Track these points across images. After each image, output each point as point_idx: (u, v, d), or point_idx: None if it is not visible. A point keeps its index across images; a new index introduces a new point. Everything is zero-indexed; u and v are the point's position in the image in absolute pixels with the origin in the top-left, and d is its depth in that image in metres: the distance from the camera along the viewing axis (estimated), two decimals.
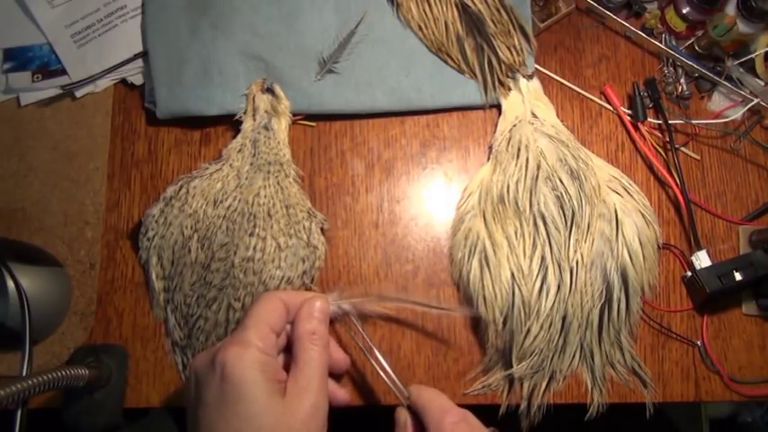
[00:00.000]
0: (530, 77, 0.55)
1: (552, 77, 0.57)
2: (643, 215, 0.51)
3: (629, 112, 0.56)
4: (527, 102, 0.54)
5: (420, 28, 0.55)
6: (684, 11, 0.55)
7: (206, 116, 0.54)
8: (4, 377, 0.49)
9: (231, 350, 0.38)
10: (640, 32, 0.56)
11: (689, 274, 0.52)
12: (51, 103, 0.57)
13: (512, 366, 0.49)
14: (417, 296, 0.52)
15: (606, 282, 0.49)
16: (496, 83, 0.54)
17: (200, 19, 0.55)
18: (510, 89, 0.54)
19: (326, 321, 0.44)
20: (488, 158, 0.54)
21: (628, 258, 0.49)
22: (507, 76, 0.55)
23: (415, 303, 0.50)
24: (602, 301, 0.49)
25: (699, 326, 0.52)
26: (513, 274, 0.49)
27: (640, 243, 0.50)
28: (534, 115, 0.53)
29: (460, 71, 0.55)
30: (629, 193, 0.52)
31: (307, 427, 0.38)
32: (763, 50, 0.54)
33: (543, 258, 0.49)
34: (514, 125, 0.53)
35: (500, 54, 0.54)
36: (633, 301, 0.50)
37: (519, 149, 0.52)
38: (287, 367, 0.41)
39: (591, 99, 0.57)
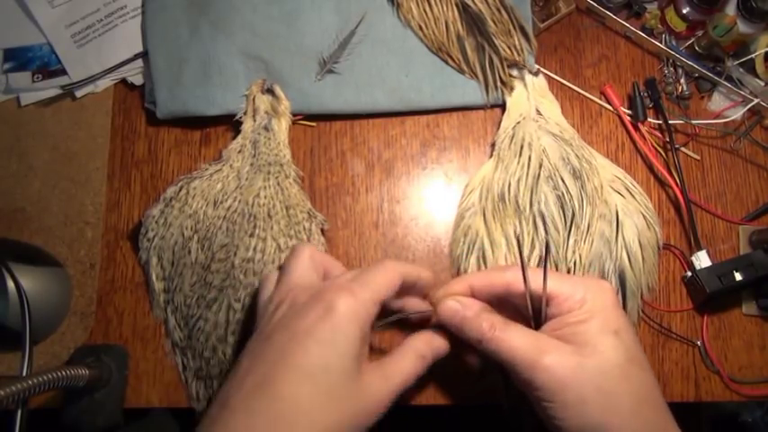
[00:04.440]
0: (535, 74, 0.54)
1: (552, 77, 0.57)
2: (644, 217, 0.51)
3: (629, 112, 0.56)
4: (532, 98, 0.53)
5: (420, 28, 0.55)
6: (684, 11, 0.55)
7: (206, 116, 0.54)
8: (4, 377, 0.49)
9: (345, 297, 0.36)
10: (640, 32, 0.56)
11: (689, 274, 0.52)
12: (51, 103, 0.57)
13: None
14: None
15: None
16: (498, 82, 0.54)
17: (201, 19, 0.55)
18: (513, 88, 0.54)
19: (441, 352, 0.42)
20: (490, 156, 0.54)
21: (626, 260, 0.49)
22: (511, 76, 0.54)
23: None
24: None
25: (699, 326, 0.52)
26: None
27: (640, 245, 0.50)
28: (539, 112, 0.53)
29: (461, 71, 0.55)
30: (631, 193, 0.51)
31: (364, 409, 0.36)
32: (763, 50, 0.54)
33: (541, 258, 0.49)
34: (518, 122, 0.53)
35: (501, 53, 0.54)
36: (630, 303, 0.50)
37: (522, 147, 0.52)
38: None
39: (591, 99, 0.57)
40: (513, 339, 0.38)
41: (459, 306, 0.40)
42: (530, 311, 0.39)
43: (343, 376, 0.35)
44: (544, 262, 0.39)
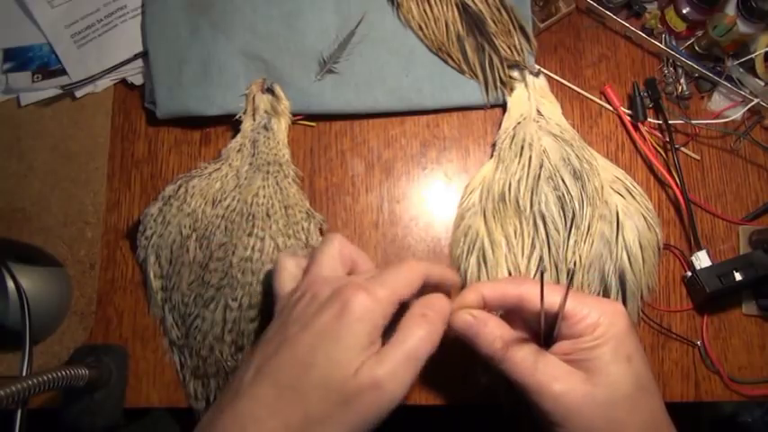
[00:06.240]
0: (536, 74, 0.54)
1: (552, 77, 0.57)
2: (645, 218, 0.51)
3: (629, 112, 0.56)
4: (533, 99, 0.53)
5: (420, 28, 0.55)
6: (684, 11, 0.55)
7: (206, 116, 0.54)
8: (4, 377, 0.50)
9: (362, 296, 0.36)
10: (640, 32, 0.56)
11: (689, 274, 0.52)
12: (51, 103, 0.57)
13: None
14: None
15: (603, 284, 0.49)
16: (498, 82, 0.54)
17: (201, 19, 0.55)
18: (513, 88, 0.54)
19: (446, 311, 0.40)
20: (491, 156, 0.54)
21: (627, 261, 0.49)
22: (510, 77, 0.54)
23: None
24: None
25: (699, 326, 0.52)
26: (510, 274, 0.49)
27: (640, 246, 0.50)
28: (539, 113, 0.53)
29: (461, 71, 0.55)
30: (631, 194, 0.51)
31: (377, 398, 0.35)
32: (763, 50, 0.54)
33: (541, 259, 0.49)
34: (519, 123, 0.53)
35: (501, 53, 0.54)
36: (630, 304, 0.49)
37: (522, 147, 0.52)
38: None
39: (591, 99, 0.57)
40: (524, 362, 0.37)
41: (474, 320, 0.40)
42: (542, 331, 0.39)
43: (351, 371, 0.35)
44: (567, 282, 0.38)
